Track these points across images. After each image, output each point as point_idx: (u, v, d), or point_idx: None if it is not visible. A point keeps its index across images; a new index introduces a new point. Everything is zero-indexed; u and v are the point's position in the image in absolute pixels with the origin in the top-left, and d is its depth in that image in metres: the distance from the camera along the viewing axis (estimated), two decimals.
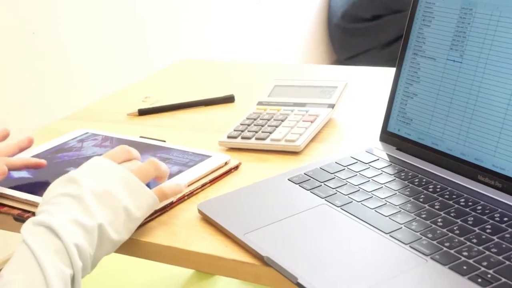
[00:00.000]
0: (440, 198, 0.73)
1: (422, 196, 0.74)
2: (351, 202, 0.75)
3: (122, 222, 0.70)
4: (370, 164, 0.83)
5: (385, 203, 0.73)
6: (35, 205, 0.79)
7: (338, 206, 0.74)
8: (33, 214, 0.73)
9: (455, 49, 0.79)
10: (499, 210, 0.69)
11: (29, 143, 0.92)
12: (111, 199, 0.70)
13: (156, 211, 0.78)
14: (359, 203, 0.74)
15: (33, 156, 0.93)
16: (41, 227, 0.65)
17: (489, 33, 0.75)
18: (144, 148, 0.94)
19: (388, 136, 0.88)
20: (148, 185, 0.75)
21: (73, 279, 0.63)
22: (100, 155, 0.89)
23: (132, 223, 0.71)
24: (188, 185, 0.83)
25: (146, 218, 0.76)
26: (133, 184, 0.72)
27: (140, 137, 0.99)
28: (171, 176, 0.84)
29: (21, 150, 0.91)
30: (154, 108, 1.16)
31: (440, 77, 0.81)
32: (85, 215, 0.67)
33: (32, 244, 0.63)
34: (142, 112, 1.15)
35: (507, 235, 0.64)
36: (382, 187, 0.77)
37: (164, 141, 0.96)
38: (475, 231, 0.66)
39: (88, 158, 0.83)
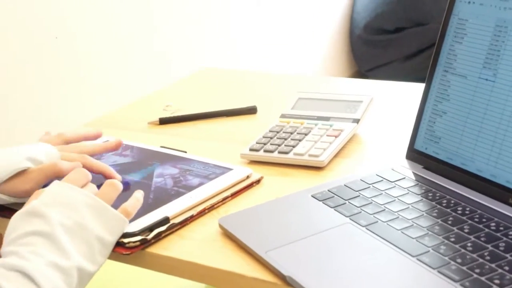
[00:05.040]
0: (470, 221, 0.70)
1: (451, 218, 0.71)
2: (377, 222, 0.73)
3: (97, 251, 0.68)
4: (396, 183, 0.81)
5: (412, 225, 0.71)
6: None
7: (363, 226, 0.72)
8: None
9: (488, 67, 0.77)
10: None
11: (117, 146, 0.91)
12: (83, 231, 0.67)
13: (175, 225, 0.76)
14: (385, 223, 0.72)
15: None
16: (15, 273, 0.61)
17: None
18: (165, 159, 0.92)
19: (415, 154, 0.86)
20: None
21: None
22: (120, 164, 0.87)
23: (107, 249, 0.70)
24: (209, 198, 0.81)
25: (165, 231, 0.75)
26: (100, 209, 0.70)
27: (161, 147, 0.97)
28: (191, 188, 0.83)
29: (108, 152, 0.91)
30: (176, 117, 1.14)
31: (471, 95, 0.79)
32: (61, 256, 0.64)
33: None
34: (163, 121, 1.13)
35: None
36: (408, 207, 0.75)
37: (185, 152, 0.95)
38: (506, 257, 0.63)
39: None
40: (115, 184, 0.76)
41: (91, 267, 0.67)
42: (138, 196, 0.77)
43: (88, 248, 0.67)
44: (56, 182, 0.73)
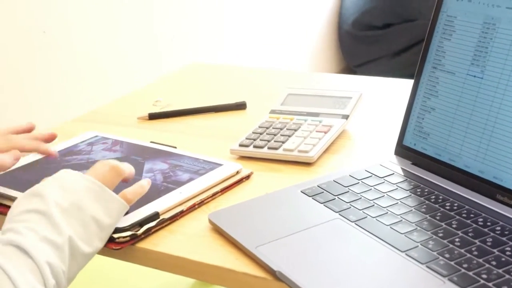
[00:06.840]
0: (458, 217, 0.71)
1: (439, 214, 0.72)
2: (366, 217, 0.73)
3: (93, 232, 0.69)
4: (385, 178, 0.81)
5: (401, 220, 0.72)
6: None
7: (352, 221, 0.73)
8: None
9: (476, 64, 0.77)
10: None
11: (51, 137, 0.91)
12: (78, 211, 0.69)
13: (165, 220, 0.76)
14: (374, 219, 0.73)
15: (43, 158, 0.92)
16: (11, 247, 0.63)
17: None
18: (155, 154, 0.92)
19: (403, 150, 0.87)
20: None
21: None
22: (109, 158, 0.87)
23: (104, 232, 0.70)
24: (199, 194, 0.82)
25: (155, 227, 0.75)
26: (99, 191, 0.71)
27: (151, 142, 0.97)
28: (181, 183, 0.83)
29: (38, 152, 0.90)
30: (165, 112, 1.14)
31: (459, 92, 0.79)
32: (54, 232, 0.66)
33: (4, 264, 0.61)
34: (153, 116, 1.13)
35: None
36: (397, 203, 0.76)
37: (175, 147, 0.95)
38: (494, 252, 0.64)
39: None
40: (118, 168, 0.75)
41: (85, 247, 0.67)
42: (143, 184, 0.77)
43: (83, 228, 0.68)
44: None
